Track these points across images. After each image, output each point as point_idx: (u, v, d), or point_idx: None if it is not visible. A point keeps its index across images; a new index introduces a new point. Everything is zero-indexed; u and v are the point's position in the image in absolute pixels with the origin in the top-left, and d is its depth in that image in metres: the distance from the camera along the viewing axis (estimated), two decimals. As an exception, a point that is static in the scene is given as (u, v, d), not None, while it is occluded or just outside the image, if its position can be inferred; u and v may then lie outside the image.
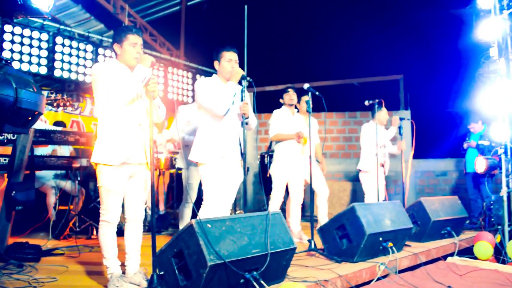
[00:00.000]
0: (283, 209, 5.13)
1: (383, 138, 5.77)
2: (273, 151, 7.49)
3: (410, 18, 10.54)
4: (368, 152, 5.74)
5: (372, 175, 5.64)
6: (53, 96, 5.33)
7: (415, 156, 6.76)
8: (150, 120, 2.93)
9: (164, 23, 10.02)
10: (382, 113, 5.88)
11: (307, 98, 5.39)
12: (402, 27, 10.85)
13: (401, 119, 5.60)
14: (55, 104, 5.00)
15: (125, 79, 2.98)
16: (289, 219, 5.15)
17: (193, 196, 4.97)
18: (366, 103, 5.52)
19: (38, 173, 5.34)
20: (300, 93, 5.25)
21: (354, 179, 8.11)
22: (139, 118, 3.10)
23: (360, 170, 5.83)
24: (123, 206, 3.13)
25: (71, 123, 7.40)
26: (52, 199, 5.42)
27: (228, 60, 3.64)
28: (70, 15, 8.41)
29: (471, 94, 6.30)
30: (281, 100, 5.23)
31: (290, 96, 5.14)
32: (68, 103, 4.98)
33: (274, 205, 4.99)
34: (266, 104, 8.97)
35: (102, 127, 3.05)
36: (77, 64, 6.96)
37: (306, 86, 4.36)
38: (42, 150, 5.64)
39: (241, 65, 3.72)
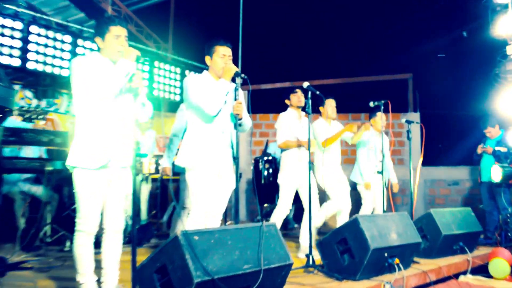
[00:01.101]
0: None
1: (378, 144, 5.84)
2: (268, 155, 7.54)
3: (420, 12, 10.58)
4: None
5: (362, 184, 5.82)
6: (25, 106, 5.26)
7: (425, 163, 6.76)
8: (133, 119, 2.94)
9: (151, 13, 10.00)
10: (377, 119, 5.96)
11: (332, 102, 5.49)
12: (411, 22, 10.89)
13: (409, 122, 5.59)
14: (26, 116, 4.93)
15: (108, 73, 2.98)
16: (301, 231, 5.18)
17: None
18: (371, 104, 5.52)
19: (6, 176, 5.29)
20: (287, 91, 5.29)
21: (358, 188, 8.10)
22: (121, 117, 3.10)
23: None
24: (101, 214, 3.11)
25: (45, 121, 7.36)
26: (20, 206, 5.37)
27: (221, 56, 3.64)
28: (47, 2, 8.39)
29: (487, 96, 6.31)
30: (287, 101, 5.22)
31: (299, 97, 5.14)
32: (40, 116, 4.94)
33: (278, 216, 5.02)
34: (261, 103, 8.99)
35: (80, 126, 3.04)
36: (54, 56, 6.94)
37: (305, 84, 4.38)
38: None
39: (235, 61, 3.70)
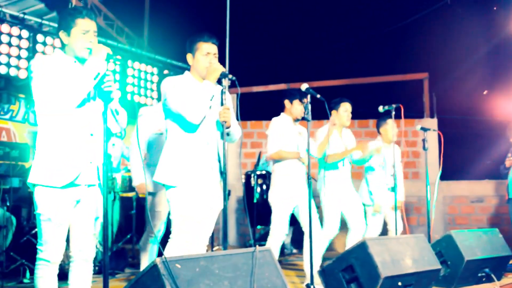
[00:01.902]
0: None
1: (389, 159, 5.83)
2: (261, 168, 7.56)
3: (436, 2, 10.66)
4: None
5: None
6: None
7: (443, 177, 6.81)
8: (104, 129, 2.93)
9: (123, 3, 10.00)
10: (387, 127, 5.92)
11: (348, 106, 5.50)
12: (426, 15, 10.96)
13: (425, 129, 5.65)
14: None
15: (74, 75, 2.99)
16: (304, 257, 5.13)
17: (161, 227, 4.95)
18: (381, 108, 5.57)
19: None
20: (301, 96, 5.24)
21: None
22: (90, 126, 3.11)
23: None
24: (67, 241, 3.10)
25: (-3, 131, 7.36)
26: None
27: (205, 54, 3.65)
28: (0, -10, 8.42)
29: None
30: (287, 104, 5.19)
31: (303, 109, 5.07)
32: None
33: (274, 241, 5.00)
34: (253, 109, 9.00)
35: (42, 137, 3.05)
36: (8, 55, 6.92)
37: (304, 87, 4.38)
38: None
39: (221, 60, 3.74)
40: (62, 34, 3.12)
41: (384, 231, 5.96)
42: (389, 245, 4.03)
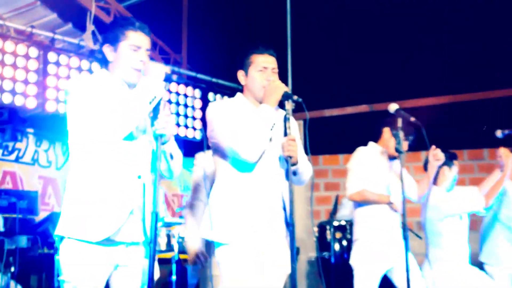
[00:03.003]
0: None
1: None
2: (340, 218, 7.41)
3: None
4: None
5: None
6: None
7: None
8: (156, 174, 2.98)
9: (154, 9, 10.14)
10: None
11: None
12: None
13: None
14: None
15: (122, 98, 3.05)
16: None
17: None
18: (499, 133, 5.44)
19: None
20: (384, 119, 5.27)
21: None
22: (139, 166, 3.18)
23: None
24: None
25: (1, 176, 7.50)
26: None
27: (262, 69, 3.70)
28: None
29: None
30: (385, 136, 5.18)
31: (406, 145, 5.05)
32: None
33: None
34: (326, 139, 8.87)
35: (76, 176, 3.11)
36: (13, 80, 7.05)
37: (393, 107, 4.45)
38: None
39: (282, 77, 3.72)
40: (107, 48, 3.24)
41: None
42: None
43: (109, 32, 3.24)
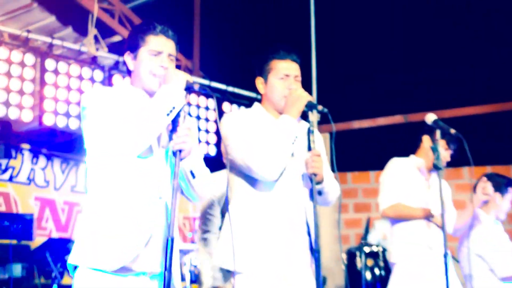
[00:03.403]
0: None
1: None
2: (371, 243, 7.35)
3: None
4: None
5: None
6: None
7: None
8: (173, 194, 2.96)
9: (163, 11, 10.18)
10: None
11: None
12: None
13: None
14: None
15: (140, 110, 3.04)
16: None
17: None
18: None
19: None
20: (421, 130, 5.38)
21: None
22: (160, 186, 3.17)
23: None
24: None
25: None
26: None
27: (283, 76, 3.72)
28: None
29: None
30: (425, 145, 5.22)
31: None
32: None
33: None
34: (355, 154, 8.83)
35: (93, 202, 3.13)
36: (7, 91, 7.08)
37: (430, 118, 4.49)
38: None
39: (306, 85, 3.69)
40: (127, 57, 3.31)
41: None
42: None
43: (129, 39, 3.32)
